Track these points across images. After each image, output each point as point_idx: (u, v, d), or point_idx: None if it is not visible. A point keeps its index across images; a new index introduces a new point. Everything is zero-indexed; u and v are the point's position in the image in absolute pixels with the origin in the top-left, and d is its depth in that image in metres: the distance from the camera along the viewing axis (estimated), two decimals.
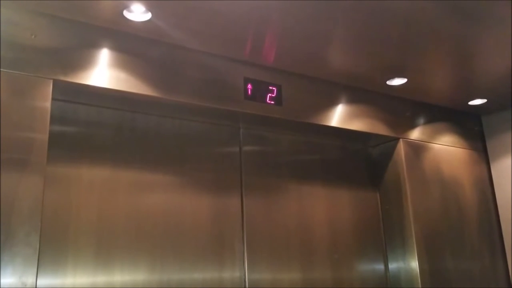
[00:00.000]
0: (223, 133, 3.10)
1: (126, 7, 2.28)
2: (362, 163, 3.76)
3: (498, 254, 3.88)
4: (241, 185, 3.07)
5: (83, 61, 2.35)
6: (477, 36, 2.73)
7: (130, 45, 2.53)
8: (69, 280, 2.35)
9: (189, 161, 2.91)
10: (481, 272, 3.71)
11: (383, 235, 3.63)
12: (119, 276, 2.49)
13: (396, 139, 3.60)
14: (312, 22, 2.50)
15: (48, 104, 2.21)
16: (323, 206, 3.39)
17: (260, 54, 2.87)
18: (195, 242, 2.77)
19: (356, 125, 3.35)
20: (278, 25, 2.54)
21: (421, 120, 3.78)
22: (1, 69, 2.12)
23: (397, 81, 3.34)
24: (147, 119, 2.82)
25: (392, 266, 3.54)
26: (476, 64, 3.15)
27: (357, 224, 3.52)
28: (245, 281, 2.88)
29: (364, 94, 3.45)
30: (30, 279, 1.97)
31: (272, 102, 2.96)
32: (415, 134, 3.70)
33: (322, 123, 3.18)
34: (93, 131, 2.63)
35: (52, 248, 2.33)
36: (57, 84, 2.27)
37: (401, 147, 3.58)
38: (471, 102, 3.87)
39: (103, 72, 2.41)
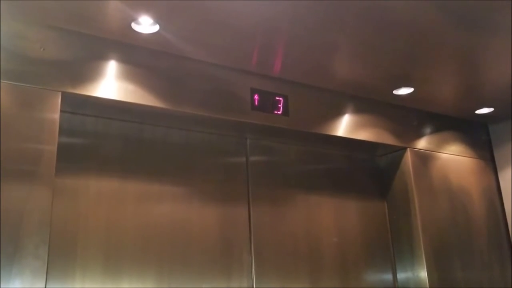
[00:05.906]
0: (230, 144, 3.11)
1: (134, 19, 2.30)
2: (369, 173, 3.75)
3: (507, 264, 3.84)
4: (248, 195, 3.06)
5: (91, 73, 2.37)
6: (484, 45, 2.73)
7: (138, 57, 2.55)
8: None
9: (196, 172, 2.91)
10: (490, 282, 3.67)
11: (391, 245, 3.61)
12: (127, 286, 2.49)
13: (403, 149, 3.60)
14: (319, 33, 2.51)
15: (56, 116, 2.23)
16: (330, 216, 3.38)
17: (266, 65, 2.88)
18: (202, 252, 2.77)
19: (363, 135, 3.34)
20: (284, 36, 2.54)
21: (428, 130, 3.77)
22: (11, 82, 2.14)
23: (404, 91, 3.34)
24: (155, 130, 2.83)
25: (401, 276, 3.51)
26: (483, 73, 3.14)
27: (365, 234, 3.51)
28: None
29: (370, 104, 3.45)
30: None
31: (279, 113, 2.97)
32: (422, 143, 3.69)
33: (329, 133, 3.18)
34: (101, 142, 2.65)
35: (61, 259, 2.33)
36: (65, 96, 2.29)
37: (408, 156, 3.57)
38: (478, 111, 3.86)
39: (111, 84, 2.42)
